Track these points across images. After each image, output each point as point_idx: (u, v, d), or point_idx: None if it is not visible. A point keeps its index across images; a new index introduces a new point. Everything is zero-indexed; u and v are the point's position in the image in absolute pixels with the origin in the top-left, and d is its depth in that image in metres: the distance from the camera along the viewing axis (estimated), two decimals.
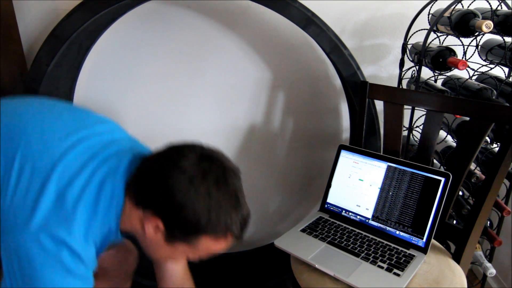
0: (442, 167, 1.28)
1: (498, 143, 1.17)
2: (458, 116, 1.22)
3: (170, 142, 0.77)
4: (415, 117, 1.30)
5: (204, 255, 0.77)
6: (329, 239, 1.06)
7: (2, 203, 0.72)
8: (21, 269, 0.70)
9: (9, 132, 0.78)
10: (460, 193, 1.31)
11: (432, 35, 1.22)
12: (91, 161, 0.76)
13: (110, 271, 1.10)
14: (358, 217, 1.13)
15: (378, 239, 1.06)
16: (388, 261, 0.97)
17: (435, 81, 1.29)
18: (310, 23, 1.21)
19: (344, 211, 1.16)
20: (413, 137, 1.36)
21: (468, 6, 1.20)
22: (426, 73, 1.28)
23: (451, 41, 1.22)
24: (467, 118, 1.17)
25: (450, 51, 1.18)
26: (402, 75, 1.39)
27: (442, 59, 1.18)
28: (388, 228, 1.08)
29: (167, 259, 0.80)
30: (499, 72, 1.26)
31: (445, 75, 1.26)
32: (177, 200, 0.69)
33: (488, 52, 1.22)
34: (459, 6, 1.18)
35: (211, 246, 0.74)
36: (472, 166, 1.22)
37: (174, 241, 0.74)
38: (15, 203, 0.72)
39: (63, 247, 0.71)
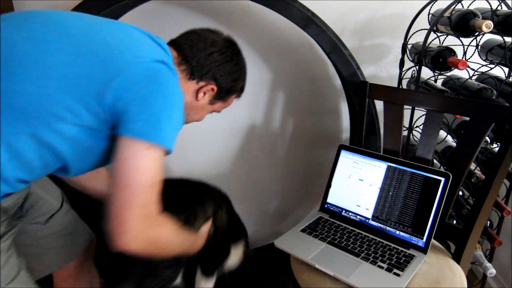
0: (442, 167, 1.28)
1: (498, 143, 1.17)
2: (458, 116, 1.22)
3: (186, 31, 0.93)
4: (415, 117, 1.30)
5: (225, 107, 0.99)
6: (329, 239, 1.06)
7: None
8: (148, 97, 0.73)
9: None
10: (460, 193, 1.31)
11: (432, 35, 1.22)
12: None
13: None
14: (358, 217, 1.13)
15: (378, 239, 1.06)
16: (388, 261, 0.97)
17: (435, 81, 1.29)
18: (310, 23, 1.21)
19: (344, 211, 1.16)
20: (413, 137, 1.36)
21: (468, 6, 1.20)
22: (426, 73, 1.28)
23: (451, 41, 1.22)
24: (467, 118, 1.17)
25: (450, 51, 1.18)
26: (402, 75, 1.39)
27: (442, 59, 1.18)
28: (388, 228, 1.08)
29: (202, 117, 0.97)
30: (499, 72, 1.26)
31: (445, 75, 1.26)
32: (234, 69, 0.91)
33: (488, 52, 1.22)
34: (459, 6, 1.18)
35: (232, 101, 0.98)
36: (472, 166, 1.22)
37: (216, 101, 0.94)
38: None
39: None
